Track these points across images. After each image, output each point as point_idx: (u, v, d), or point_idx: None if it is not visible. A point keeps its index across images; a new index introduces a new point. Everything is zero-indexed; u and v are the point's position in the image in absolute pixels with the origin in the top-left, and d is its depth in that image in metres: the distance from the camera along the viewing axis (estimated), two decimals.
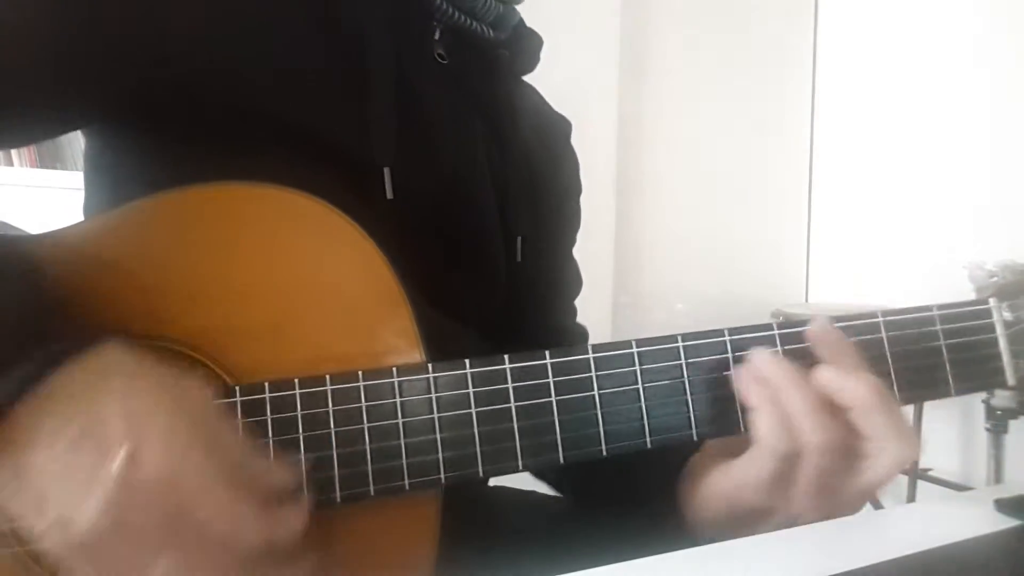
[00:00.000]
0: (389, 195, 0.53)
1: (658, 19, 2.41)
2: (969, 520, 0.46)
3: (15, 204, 1.70)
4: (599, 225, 2.20)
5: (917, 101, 2.26)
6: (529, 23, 0.72)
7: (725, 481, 0.49)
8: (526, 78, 0.74)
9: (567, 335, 0.75)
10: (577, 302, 0.79)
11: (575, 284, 0.78)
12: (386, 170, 0.53)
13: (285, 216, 0.47)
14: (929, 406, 1.95)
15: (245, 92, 0.50)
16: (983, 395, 1.88)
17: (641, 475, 0.55)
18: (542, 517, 0.68)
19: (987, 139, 2.05)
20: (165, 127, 0.51)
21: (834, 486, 0.46)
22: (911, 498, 1.94)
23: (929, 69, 2.22)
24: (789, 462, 0.45)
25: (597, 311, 2.28)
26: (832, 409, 0.46)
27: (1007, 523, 0.45)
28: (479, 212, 0.62)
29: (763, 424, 0.46)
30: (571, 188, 0.77)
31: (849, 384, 0.46)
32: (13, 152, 1.77)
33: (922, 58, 2.25)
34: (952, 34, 2.17)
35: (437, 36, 0.61)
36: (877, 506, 1.86)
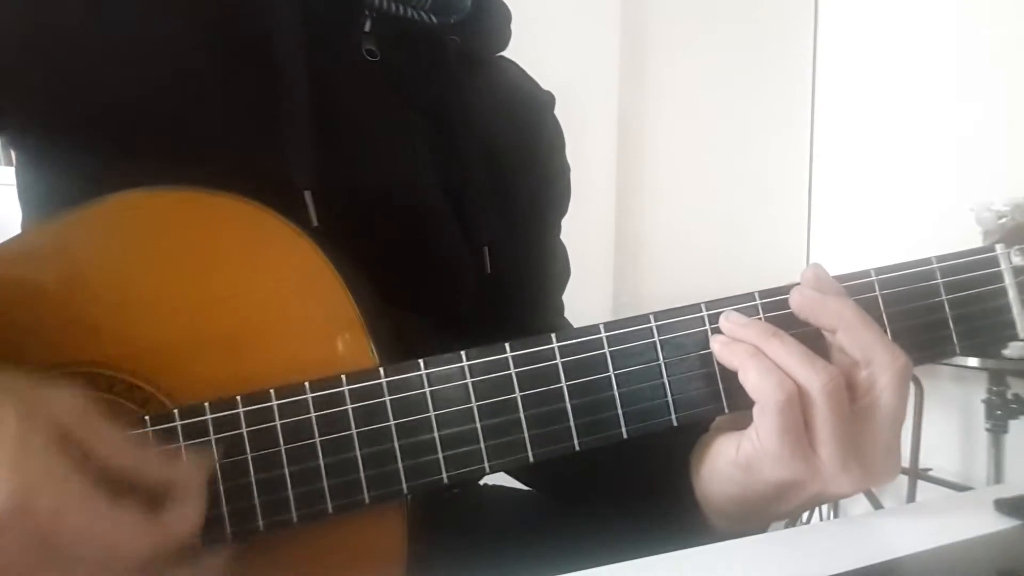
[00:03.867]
0: (315, 222, 0.48)
1: (658, 18, 2.41)
2: (969, 520, 0.45)
3: (14, 204, 1.69)
4: (599, 225, 2.20)
5: (915, 101, 2.26)
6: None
7: (734, 452, 0.45)
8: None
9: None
10: (577, 302, 0.75)
11: (561, 276, 0.72)
12: (307, 194, 0.49)
13: (218, 222, 0.44)
14: (929, 406, 1.95)
15: (137, 100, 0.47)
16: (983, 395, 1.87)
17: (643, 467, 0.51)
18: (536, 516, 0.67)
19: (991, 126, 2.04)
20: (64, 130, 0.48)
21: (854, 437, 0.42)
22: (911, 498, 1.94)
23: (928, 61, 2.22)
24: (795, 417, 0.42)
25: (597, 311, 2.27)
26: (822, 350, 0.44)
27: (1007, 523, 0.45)
28: (429, 227, 0.56)
29: (751, 379, 0.42)
30: (551, 172, 0.70)
31: (824, 303, 0.44)
32: (13, 152, 1.77)
33: (922, 49, 2.25)
34: (948, 14, 2.17)
35: (367, 28, 0.55)
36: (877, 506, 1.86)
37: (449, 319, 0.57)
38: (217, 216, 0.44)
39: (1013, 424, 1.84)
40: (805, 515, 1.96)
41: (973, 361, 1.77)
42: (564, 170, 0.73)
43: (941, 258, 0.47)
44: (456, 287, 0.58)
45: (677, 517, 0.50)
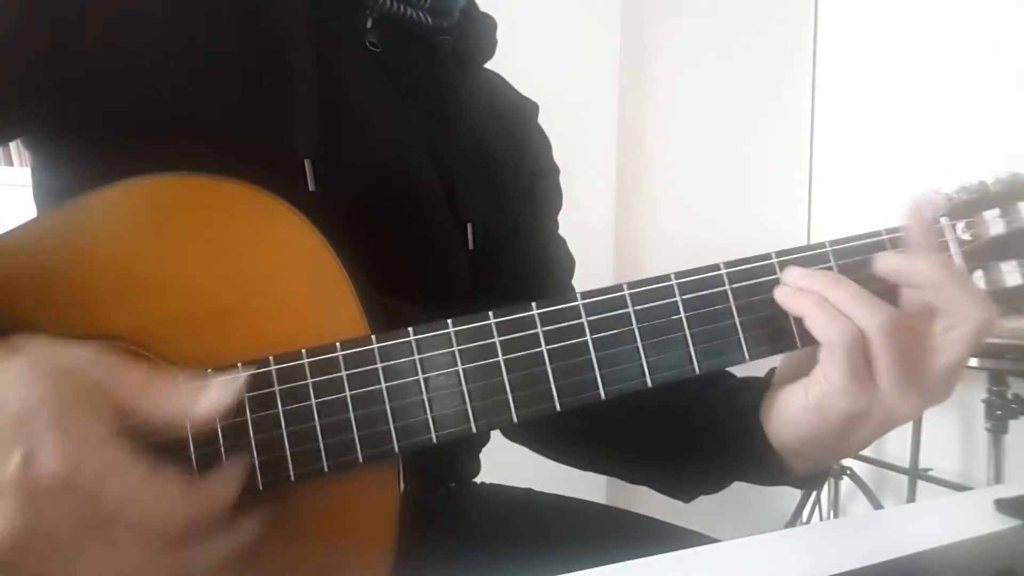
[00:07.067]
0: (311, 187, 0.52)
1: (658, 18, 2.41)
2: (969, 520, 0.46)
3: (15, 204, 1.70)
4: (599, 223, 2.20)
5: (914, 107, 2.26)
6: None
7: (804, 397, 0.48)
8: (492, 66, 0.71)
9: None
10: None
11: (563, 264, 0.76)
12: (307, 162, 0.52)
13: (220, 204, 0.46)
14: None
15: (159, 85, 0.50)
16: (983, 395, 1.87)
17: (718, 433, 0.54)
18: (529, 515, 0.67)
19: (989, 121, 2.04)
20: (81, 124, 0.51)
21: (917, 368, 0.45)
22: (911, 498, 1.94)
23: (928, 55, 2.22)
24: (859, 355, 0.44)
25: None
26: (884, 292, 0.46)
27: (1007, 523, 0.45)
28: (419, 202, 0.60)
29: (820, 325, 0.45)
30: (542, 169, 0.75)
31: (911, 264, 0.47)
32: (13, 152, 1.77)
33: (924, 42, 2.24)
34: (948, 10, 2.17)
35: (369, 25, 0.60)
36: (877, 506, 1.86)
37: (437, 305, 0.59)
38: (222, 200, 0.46)
39: (1013, 424, 1.84)
40: (805, 515, 1.96)
41: (973, 361, 1.77)
42: (554, 169, 0.76)
43: (891, 230, 0.50)
44: (442, 261, 0.62)
45: (757, 468, 0.53)
